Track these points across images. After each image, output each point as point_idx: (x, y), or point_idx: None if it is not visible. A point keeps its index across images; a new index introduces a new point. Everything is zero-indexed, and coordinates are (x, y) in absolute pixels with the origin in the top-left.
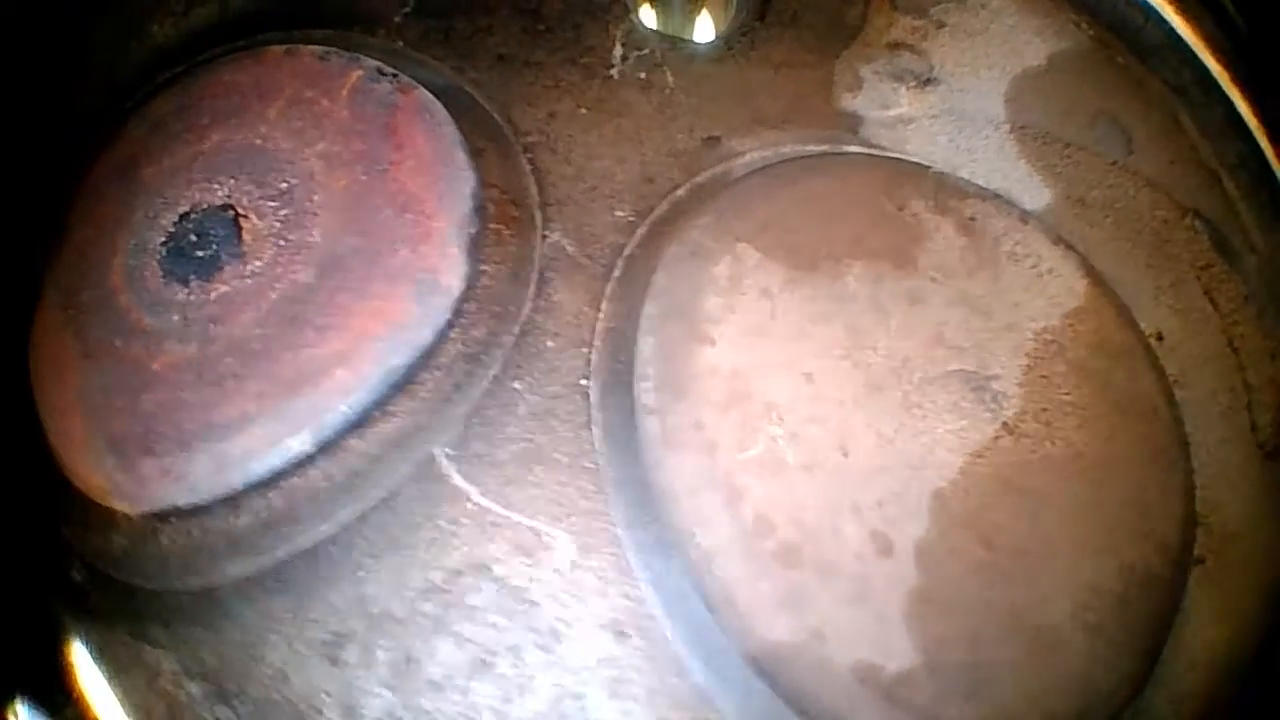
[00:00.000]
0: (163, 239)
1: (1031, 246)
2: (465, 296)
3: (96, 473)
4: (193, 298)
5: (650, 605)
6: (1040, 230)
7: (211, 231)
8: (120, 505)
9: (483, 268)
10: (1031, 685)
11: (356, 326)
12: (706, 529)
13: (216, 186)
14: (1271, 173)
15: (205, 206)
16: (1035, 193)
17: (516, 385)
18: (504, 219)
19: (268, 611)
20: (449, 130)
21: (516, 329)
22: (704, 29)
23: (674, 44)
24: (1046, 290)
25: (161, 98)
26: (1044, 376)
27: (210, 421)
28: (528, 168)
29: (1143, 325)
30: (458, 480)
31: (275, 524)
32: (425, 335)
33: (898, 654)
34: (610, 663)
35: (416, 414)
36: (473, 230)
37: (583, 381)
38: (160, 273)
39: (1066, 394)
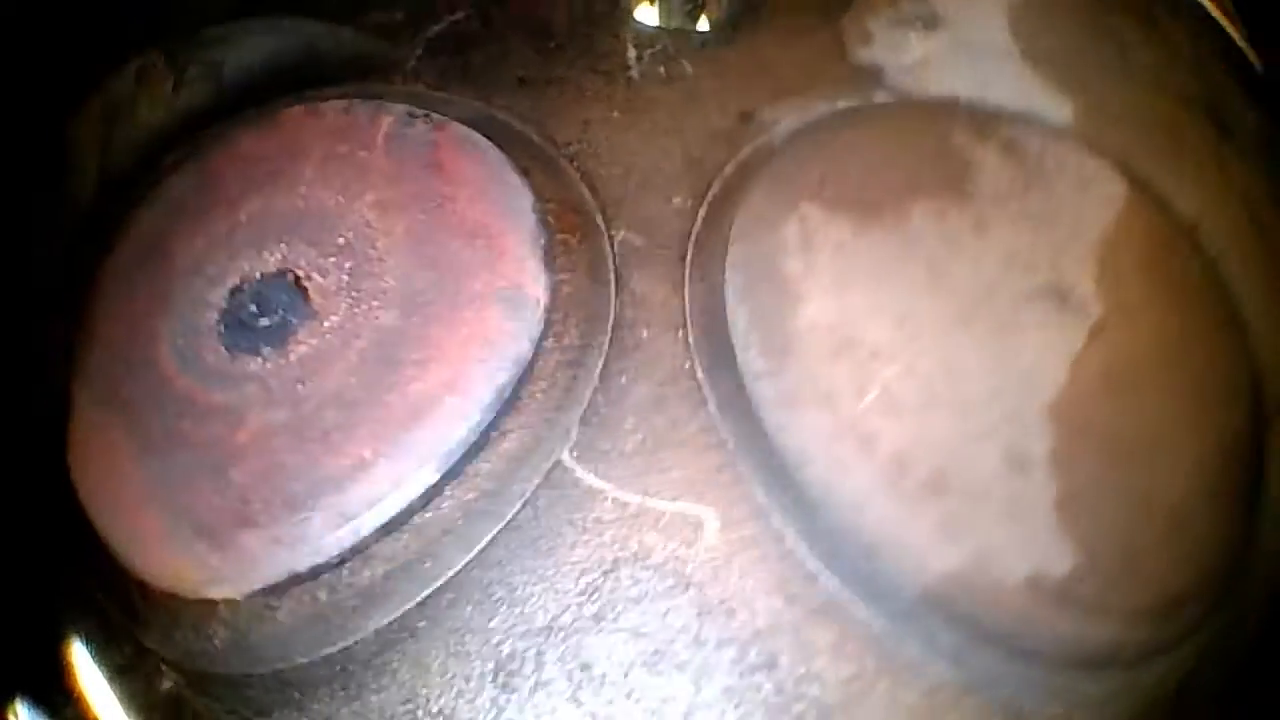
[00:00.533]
0: (216, 316)
1: (1070, 158)
2: (551, 306)
3: (185, 564)
4: (269, 365)
5: (810, 564)
6: (1073, 142)
7: (273, 298)
8: (221, 591)
9: (561, 277)
10: (1173, 560)
11: (454, 354)
12: (848, 478)
13: (266, 254)
14: (1245, 58)
15: (259, 276)
16: (1057, 109)
17: (623, 380)
18: (569, 228)
19: (419, 658)
20: (494, 154)
21: (608, 327)
22: (703, 21)
23: (683, 35)
24: (1094, 196)
25: (172, 179)
26: (1113, 277)
27: (321, 477)
28: (577, 176)
29: (1179, 213)
30: (591, 480)
31: (412, 565)
32: (524, 347)
33: (1057, 558)
34: (786, 629)
35: (534, 427)
36: (543, 241)
37: (686, 364)
38: (222, 348)
39: (1136, 289)
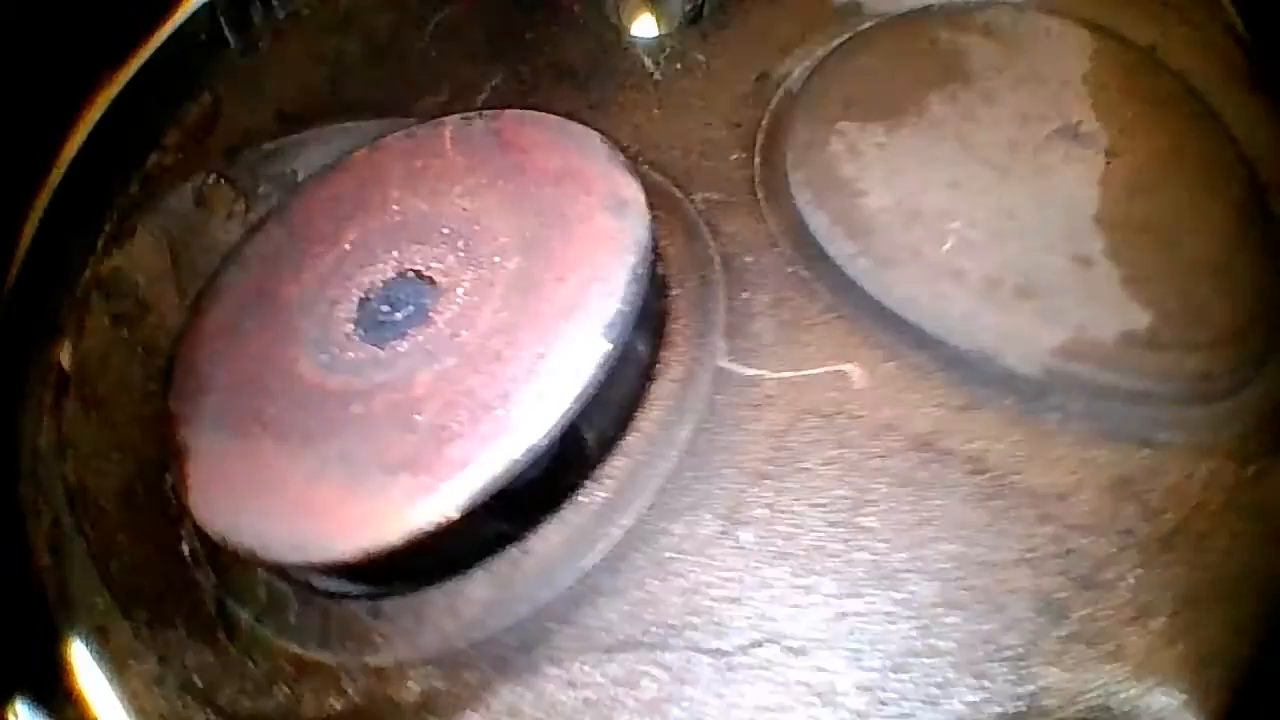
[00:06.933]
0: (350, 327)
1: (1038, 24)
2: (666, 267)
3: (382, 500)
4: (420, 338)
5: (947, 376)
6: (1035, 10)
7: (402, 294)
8: (439, 508)
9: (664, 243)
10: (1228, 299)
11: (585, 258)
12: (953, 304)
13: (381, 266)
14: None
15: (382, 283)
16: None
17: (745, 295)
18: (655, 205)
19: (671, 530)
20: (553, 119)
21: (718, 268)
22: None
23: (684, 34)
24: (1068, 48)
25: (251, 243)
26: (1107, 107)
27: (507, 380)
28: (647, 168)
29: (1135, 42)
30: (750, 372)
31: (639, 468)
32: (641, 234)
33: (1139, 317)
34: (949, 429)
35: (689, 351)
36: (620, 160)
37: (790, 269)
38: (369, 343)
39: (1129, 111)
